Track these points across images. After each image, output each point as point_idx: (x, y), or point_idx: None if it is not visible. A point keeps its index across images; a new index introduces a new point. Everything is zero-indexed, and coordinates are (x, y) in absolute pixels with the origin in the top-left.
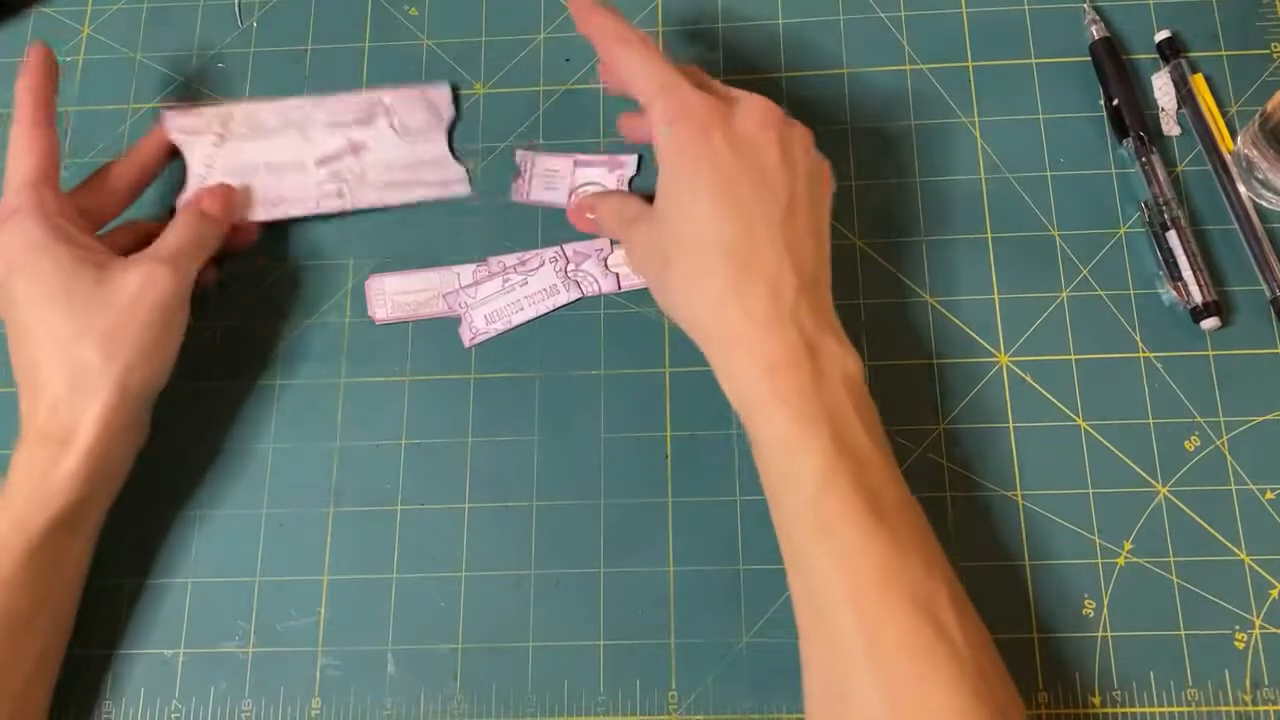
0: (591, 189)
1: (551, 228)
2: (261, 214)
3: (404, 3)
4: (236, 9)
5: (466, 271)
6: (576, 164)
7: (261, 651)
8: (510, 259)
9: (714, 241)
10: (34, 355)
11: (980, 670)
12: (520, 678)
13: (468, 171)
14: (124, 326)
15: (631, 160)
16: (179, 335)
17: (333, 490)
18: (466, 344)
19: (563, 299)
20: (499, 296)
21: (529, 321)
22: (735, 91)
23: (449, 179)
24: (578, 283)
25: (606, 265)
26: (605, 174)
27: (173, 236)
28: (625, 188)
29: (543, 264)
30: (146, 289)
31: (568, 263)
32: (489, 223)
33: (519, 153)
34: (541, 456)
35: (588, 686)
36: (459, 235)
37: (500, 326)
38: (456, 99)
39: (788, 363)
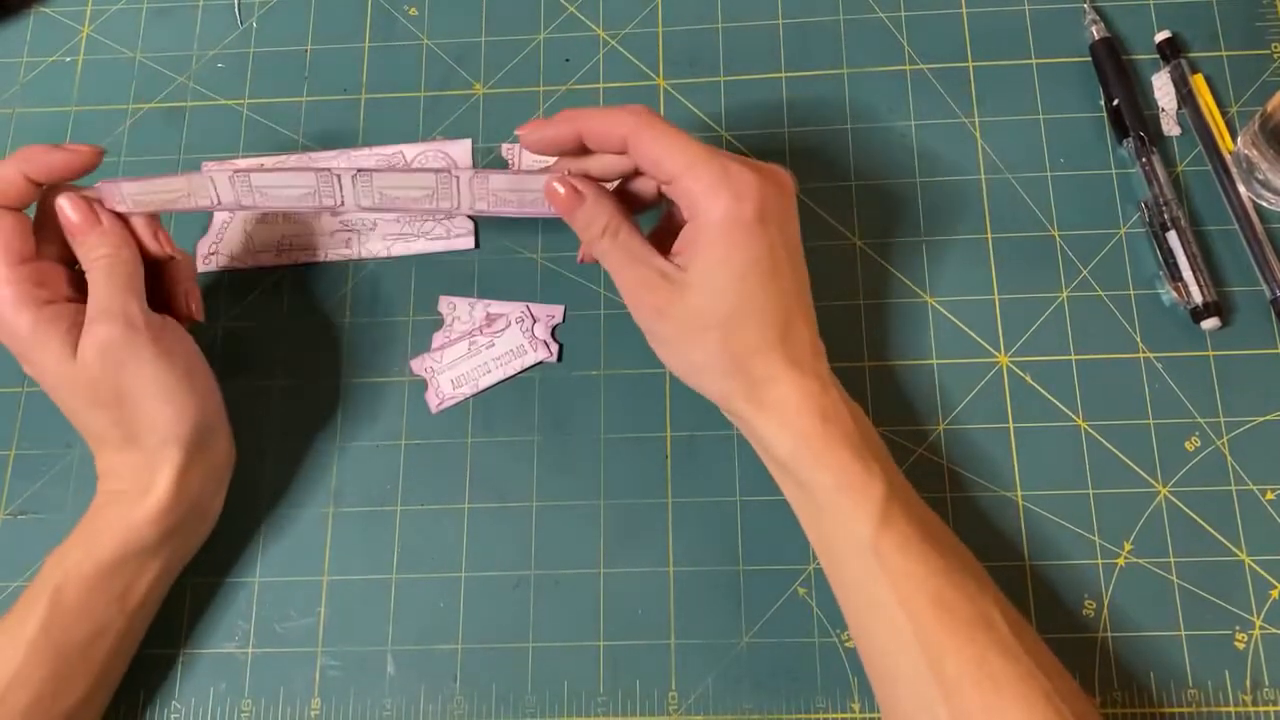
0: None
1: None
2: (271, 259)
3: (404, 3)
4: (236, 9)
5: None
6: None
7: (261, 652)
8: (468, 311)
9: (761, 317)
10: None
11: (1053, 685)
12: (520, 678)
13: (474, 226)
14: (120, 394)
15: None
16: (184, 364)
17: (333, 490)
18: (433, 409)
19: (530, 360)
20: (465, 360)
21: (496, 384)
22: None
23: (455, 232)
24: (545, 342)
25: (553, 335)
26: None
27: (93, 297)
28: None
29: (509, 325)
30: (106, 356)
31: (534, 322)
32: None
33: (505, 146)
34: (541, 456)
35: (588, 687)
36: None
37: (468, 390)
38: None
39: (836, 410)
